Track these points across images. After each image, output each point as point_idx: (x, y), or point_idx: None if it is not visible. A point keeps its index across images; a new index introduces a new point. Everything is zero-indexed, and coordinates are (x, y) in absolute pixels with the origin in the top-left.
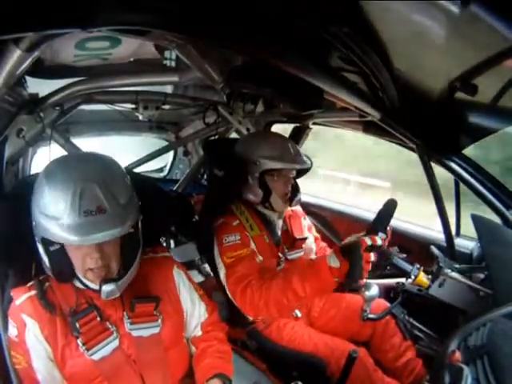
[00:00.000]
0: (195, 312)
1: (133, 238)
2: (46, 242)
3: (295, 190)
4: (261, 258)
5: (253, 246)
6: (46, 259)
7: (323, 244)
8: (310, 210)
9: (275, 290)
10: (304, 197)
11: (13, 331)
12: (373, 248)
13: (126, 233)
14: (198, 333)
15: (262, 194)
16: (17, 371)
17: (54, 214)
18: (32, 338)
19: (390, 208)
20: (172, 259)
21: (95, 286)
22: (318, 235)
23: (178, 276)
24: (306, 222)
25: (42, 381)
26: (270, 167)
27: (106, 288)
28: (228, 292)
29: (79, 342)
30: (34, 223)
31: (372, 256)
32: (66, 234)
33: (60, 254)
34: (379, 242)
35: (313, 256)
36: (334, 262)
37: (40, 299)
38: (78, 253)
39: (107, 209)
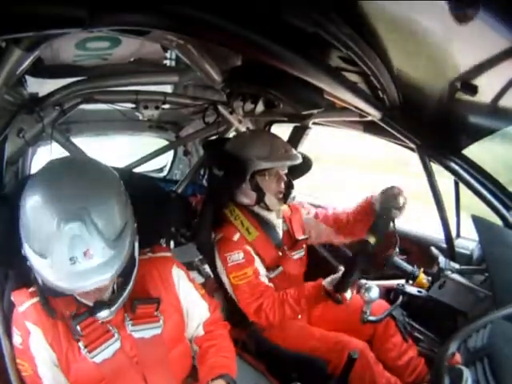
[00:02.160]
0: (196, 311)
1: (129, 260)
2: None
3: (289, 187)
4: (264, 272)
5: (257, 262)
6: (38, 277)
7: (324, 211)
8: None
9: (288, 314)
10: (304, 197)
11: (17, 339)
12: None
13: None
14: (201, 332)
15: (256, 195)
16: (23, 379)
17: (38, 250)
18: (36, 345)
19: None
20: (171, 259)
21: (89, 303)
22: (316, 211)
23: (178, 275)
24: (304, 208)
25: None
26: (259, 167)
27: (101, 314)
28: (242, 309)
29: (81, 345)
30: (23, 252)
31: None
32: (53, 279)
33: None
34: (348, 296)
35: (324, 230)
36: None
37: (43, 306)
38: None
39: (94, 254)
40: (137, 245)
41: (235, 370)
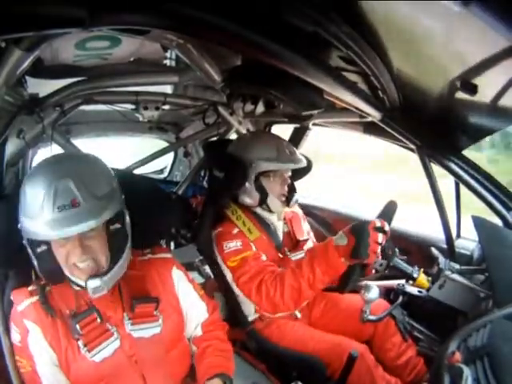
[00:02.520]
0: (195, 312)
1: (119, 232)
2: (33, 244)
3: (292, 190)
4: (264, 257)
5: (255, 249)
6: (35, 262)
7: None
8: (309, 211)
9: (288, 281)
10: (303, 199)
11: (16, 337)
12: (381, 230)
13: (101, 224)
14: (199, 333)
15: (259, 196)
16: (21, 375)
17: (33, 214)
18: (35, 343)
19: (390, 209)
20: (171, 260)
21: (82, 283)
22: (315, 240)
23: (177, 276)
24: (306, 226)
25: None
26: (265, 169)
27: (91, 284)
28: (241, 292)
29: (80, 343)
30: (19, 226)
31: (380, 237)
32: (43, 231)
33: (47, 255)
34: (387, 227)
35: None
36: (341, 240)
37: (42, 304)
38: (62, 250)
39: (81, 202)
40: (128, 220)
41: (232, 370)
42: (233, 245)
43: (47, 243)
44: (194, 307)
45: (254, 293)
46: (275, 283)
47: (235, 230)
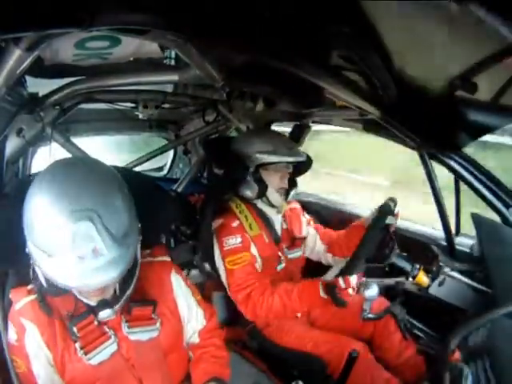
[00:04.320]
0: (192, 318)
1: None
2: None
3: (292, 185)
4: (260, 262)
5: (253, 249)
6: (42, 279)
7: (323, 230)
8: (308, 207)
9: (275, 304)
10: (302, 195)
11: (13, 336)
12: (348, 287)
13: (126, 271)
14: (196, 340)
15: (258, 188)
16: (18, 375)
17: (45, 249)
18: (32, 342)
19: (389, 206)
20: (170, 264)
21: (89, 303)
22: (315, 232)
23: (176, 281)
24: (305, 217)
25: None
26: (264, 161)
27: (103, 314)
28: (230, 296)
29: (77, 346)
30: (27, 250)
31: (350, 290)
32: (60, 278)
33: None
34: (353, 282)
35: (313, 255)
36: (323, 294)
37: (39, 303)
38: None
39: (103, 251)
40: (139, 245)
41: (228, 376)
42: (232, 241)
43: None
44: (191, 313)
45: (240, 303)
46: (262, 299)
47: (235, 223)
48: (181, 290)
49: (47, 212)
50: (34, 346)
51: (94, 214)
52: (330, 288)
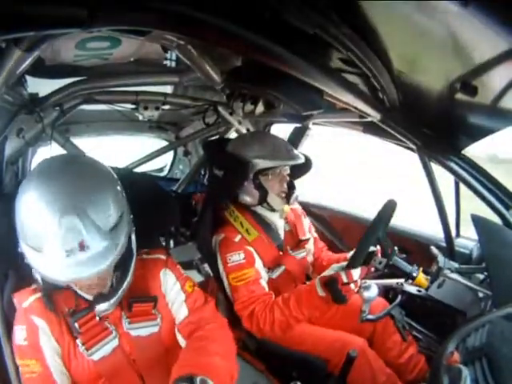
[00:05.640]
0: (180, 314)
1: (126, 251)
2: None
3: (291, 187)
4: (265, 275)
5: (258, 263)
6: (38, 276)
7: (321, 244)
8: (309, 209)
9: (277, 316)
10: (303, 197)
11: (21, 335)
12: (350, 282)
13: (114, 263)
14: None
15: (259, 194)
16: (28, 381)
17: (35, 246)
18: (44, 337)
19: (389, 208)
20: (162, 261)
21: (89, 297)
22: (316, 235)
23: (164, 278)
24: (307, 221)
25: (57, 381)
26: (263, 166)
27: (100, 308)
28: (236, 312)
29: (79, 342)
30: (19, 250)
31: (352, 286)
32: (50, 272)
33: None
34: (356, 277)
35: (310, 257)
36: (321, 292)
37: (46, 300)
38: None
39: (90, 245)
40: (133, 237)
41: (211, 366)
42: (236, 258)
43: None
44: (179, 309)
45: (244, 319)
46: (265, 315)
47: (237, 238)
48: (168, 287)
49: (35, 208)
50: (46, 340)
51: (80, 208)
52: (330, 282)
